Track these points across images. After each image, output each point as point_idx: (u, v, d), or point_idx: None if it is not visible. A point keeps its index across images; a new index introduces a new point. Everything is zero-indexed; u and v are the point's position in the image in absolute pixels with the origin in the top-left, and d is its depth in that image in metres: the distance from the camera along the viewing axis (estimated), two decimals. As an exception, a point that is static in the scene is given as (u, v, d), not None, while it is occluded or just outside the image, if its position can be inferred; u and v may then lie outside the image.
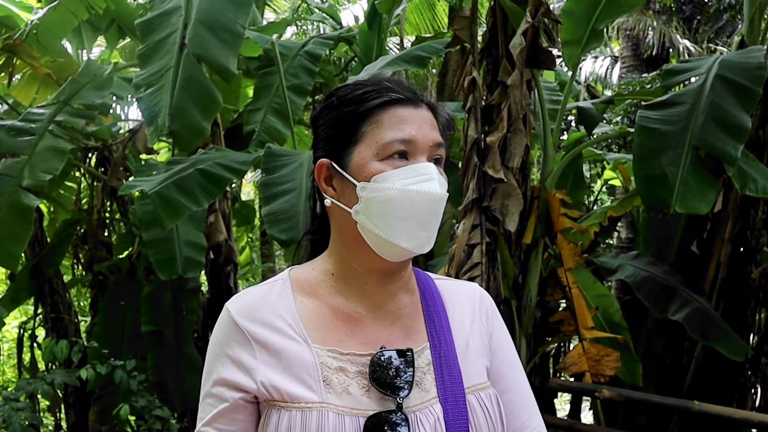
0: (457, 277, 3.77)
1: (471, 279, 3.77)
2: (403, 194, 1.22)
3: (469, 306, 1.41)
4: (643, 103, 4.23)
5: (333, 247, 1.34)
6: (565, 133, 6.96)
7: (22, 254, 5.16)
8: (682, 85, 4.44)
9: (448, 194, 1.27)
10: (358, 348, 1.27)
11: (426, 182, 1.23)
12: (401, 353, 1.25)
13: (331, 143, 1.30)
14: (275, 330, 1.26)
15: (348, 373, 1.24)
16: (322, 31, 8.62)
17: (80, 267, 6.64)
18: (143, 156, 6.61)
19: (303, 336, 1.26)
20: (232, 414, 1.25)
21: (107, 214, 6.46)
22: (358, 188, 1.24)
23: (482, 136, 3.94)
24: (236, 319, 1.28)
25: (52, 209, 6.89)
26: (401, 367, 1.24)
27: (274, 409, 1.22)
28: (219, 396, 1.26)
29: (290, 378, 1.22)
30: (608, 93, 10.66)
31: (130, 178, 4.97)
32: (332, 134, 1.30)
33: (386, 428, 1.19)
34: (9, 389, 6.31)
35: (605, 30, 4.35)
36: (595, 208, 6.81)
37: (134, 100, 7.01)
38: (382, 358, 1.24)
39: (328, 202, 1.29)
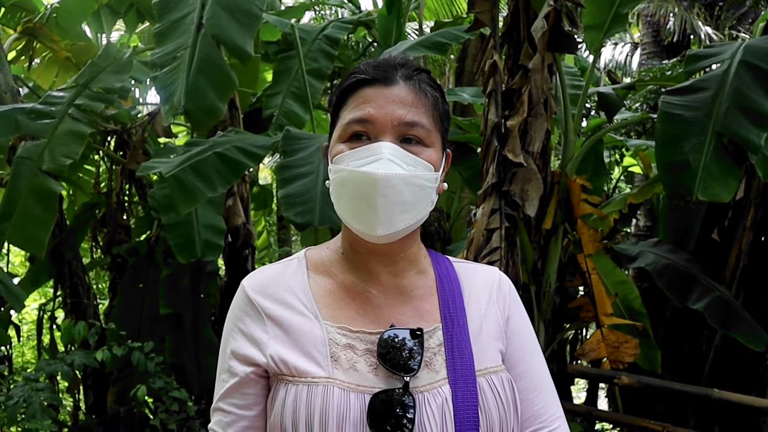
0: (475, 261, 3.76)
1: (490, 264, 3.75)
2: (351, 176, 1.22)
3: (487, 289, 1.40)
4: (664, 89, 4.19)
5: (342, 229, 1.36)
6: (584, 119, 6.91)
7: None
8: (703, 71, 4.39)
9: (406, 173, 1.22)
10: (368, 326, 1.27)
11: (371, 163, 1.21)
12: (411, 333, 1.25)
13: (330, 128, 1.35)
14: (287, 306, 1.29)
15: (356, 350, 1.25)
16: (340, 16, 8.60)
17: (99, 250, 6.69)
18: (162, 139, 6.63)
19: (314, 312, 1.28)
20: (243, 388, 1.27)
21: (126, 198, 6.49)
22: (329, 169, 1.29)
23: (502, 120, 3.91)
24: (250, 294, 1.31)
25: (71, 192, 6.94)
26: (410, 346, 1.23)
27: (281, 383, 1.23)
28: (231, 371, 1.28)
29: (299, 353, 1.24)
30: (628, 80, 10.58)
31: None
32: (330, 120, 1.36)
33: (391, 407, 1.19)
34: (29, 370, 6.37)
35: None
36: (614, 195, 6.77)
37: (151, 80, 7.04)
38: (391, 336, 1.24)
39: (328, 183, 1.31)
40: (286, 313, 1.28)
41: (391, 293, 1.32)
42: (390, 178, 1.20)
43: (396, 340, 1.24)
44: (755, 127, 3.49)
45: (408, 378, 1.21)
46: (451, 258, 1.45)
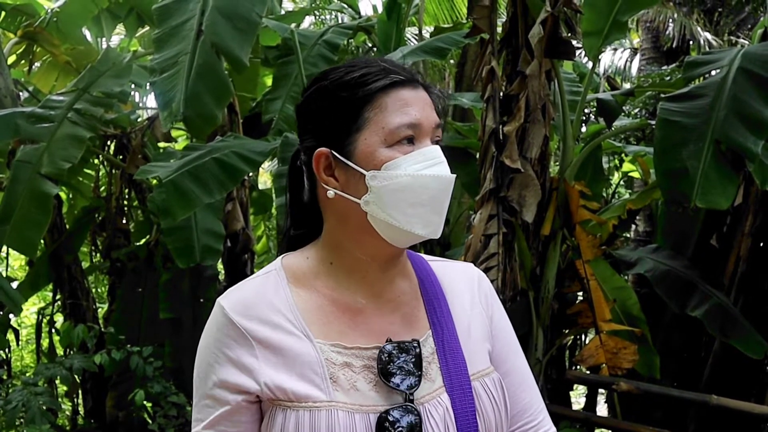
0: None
1: (487, 269, 3.76)
2: (416, 180, 1.18)
3: (468, 289, 1.37)
4: (663, 95, 4.19)
5: (330, 236, 1.28)
6: (584, 125, 6.92)
7: (41, 241, 5.19)
8: (703, 77, 4.39)
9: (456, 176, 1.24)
10: (361, 341, 1.23)
11: (435, 166, 1.20)
12: (408, 345, 1.22)
13: (327, 131, 1.23)
14: (275, 327, 1.21)
15: (354, 368, 1.20)
16: (340, 21, 8.62)
17: (98, 254, 6.69)
18: (162, 144, 6.64)
19: (304, 331, 1.21)
20: (235, 416, 1.20)
21: (125, 202, 6.50)
22: (367, 178, 1.19)
23: (500, 126, 3.92)
24: (232, 316, 1.22)
25: (71, 196, 6.95)
26: (409, 359, 1.21)
27: (279, 409, 1.17)
28: (219, 398, 1.20)
29: (295, 376, 1.18)
30: (627, 86, 10.60)
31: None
32: (329, 121, 1.23)
33: (399, 424, 1.16)
34: (28, 374, 6.37)
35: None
36: (613, 200, 6.77)
37: (150, 86, 7.07)
38: (390, 351, 1.21)
39: (331, 193, 1.22)
40: (274, 335, 1.20)
41: (380, 302, 1.27)
42: (452, 179, 1.22)
43: (394, 354, 1.21)
44: (752, 135, 3.49)
45: (412, 394, 1.19)
46: (425, 256, 1.41)
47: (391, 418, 1.16)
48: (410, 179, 1.18)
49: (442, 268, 1.39)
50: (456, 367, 1.25)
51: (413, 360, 1.21)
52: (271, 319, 1.22)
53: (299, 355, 1.19)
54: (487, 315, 1.37)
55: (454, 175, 1.22)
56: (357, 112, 1.20)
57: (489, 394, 1.26)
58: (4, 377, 5.74)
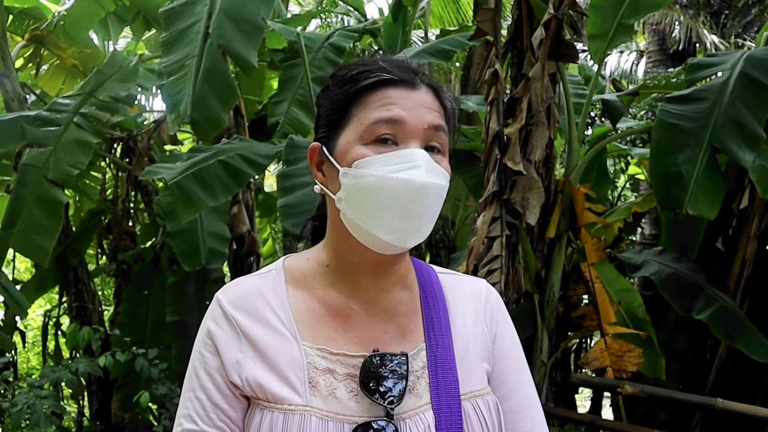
0: (476, 270, 3.76)
1: (490, 272, 3.75)
2: (384, 182, 1.12)
3: (473, 304, 1.32)
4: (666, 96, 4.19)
5: (328, 237, 1.27)
6: (589, 128, 6.91)
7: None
8: (709, 78, 4.38)
9: (442, 184, 1.16)
10: (349, 348, 1.20)
11: (409, 170, 1.13)
12: (396, 358, 1.18)
13: (324, 126, 1.24)
14: (265, 324, 1.20)
15: (336, 375, 1.18)
16: (346, 24, 8.63)
17: (104, 256, 6.71)
18: (168, 146, 6.65)
19: (293, 332, 1.20)
20: (223, 409, 1.18)
21: (132, 204, 6.51)
22: (340, 174, 1.17)
23: (503, 128, 3.92)
24: (227, 309, 1.22)
25: (77, 199, 6.97)
26: (394, 373, 1.17)
27: (257, 408, 1.16)
28: (208, 389, 1.19)
29: (274, 376, 1.16)
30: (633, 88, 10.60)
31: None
32: (326, 117, 1.23)
33: None
34: (33, 377, 6.39)
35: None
36: (618, 203, 6.76)
37: (158, 89, 7.09)
38: (375, 362, 1.17)
39: (317, 188, 1.23)
40: (262, 332, 1.19)
41: (374, 310, 1.24)
42: (428, 187, 1.13)
43: (379, 366, 1.17)
44: (746, 144, 3.49)
45: (393, 409, 1.15)
46: (436, 268, 1.37)
47: None
48: (377, 180, 1.13)
49: (450, 281, 1.34)
50: (446, 385, 1.21)
51: (404, 376, 1.18)
52: (263, 316, 1.21)
53: (282, 356, 1.18)
54: (490, 333, 1.31)
55: (432, 182, 1.14)
56: (345, 108, 1.20)
57: (480, 417, 1.21)
58: (10, 379, 5.75)
